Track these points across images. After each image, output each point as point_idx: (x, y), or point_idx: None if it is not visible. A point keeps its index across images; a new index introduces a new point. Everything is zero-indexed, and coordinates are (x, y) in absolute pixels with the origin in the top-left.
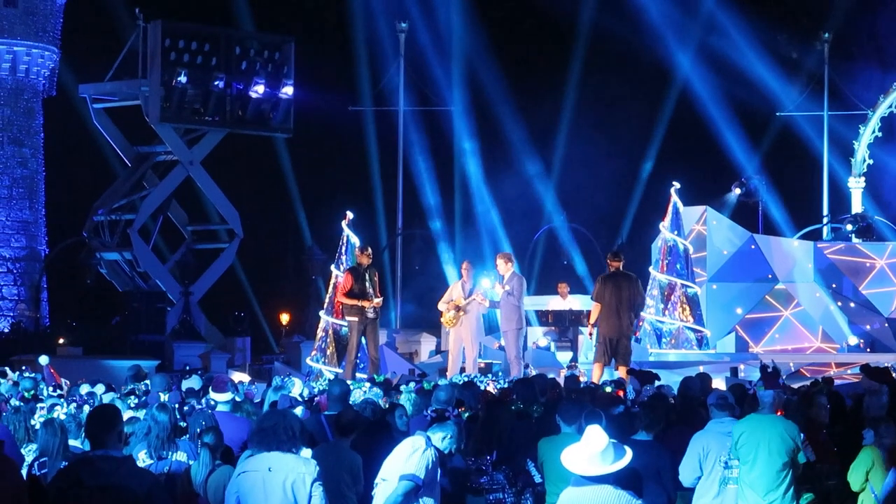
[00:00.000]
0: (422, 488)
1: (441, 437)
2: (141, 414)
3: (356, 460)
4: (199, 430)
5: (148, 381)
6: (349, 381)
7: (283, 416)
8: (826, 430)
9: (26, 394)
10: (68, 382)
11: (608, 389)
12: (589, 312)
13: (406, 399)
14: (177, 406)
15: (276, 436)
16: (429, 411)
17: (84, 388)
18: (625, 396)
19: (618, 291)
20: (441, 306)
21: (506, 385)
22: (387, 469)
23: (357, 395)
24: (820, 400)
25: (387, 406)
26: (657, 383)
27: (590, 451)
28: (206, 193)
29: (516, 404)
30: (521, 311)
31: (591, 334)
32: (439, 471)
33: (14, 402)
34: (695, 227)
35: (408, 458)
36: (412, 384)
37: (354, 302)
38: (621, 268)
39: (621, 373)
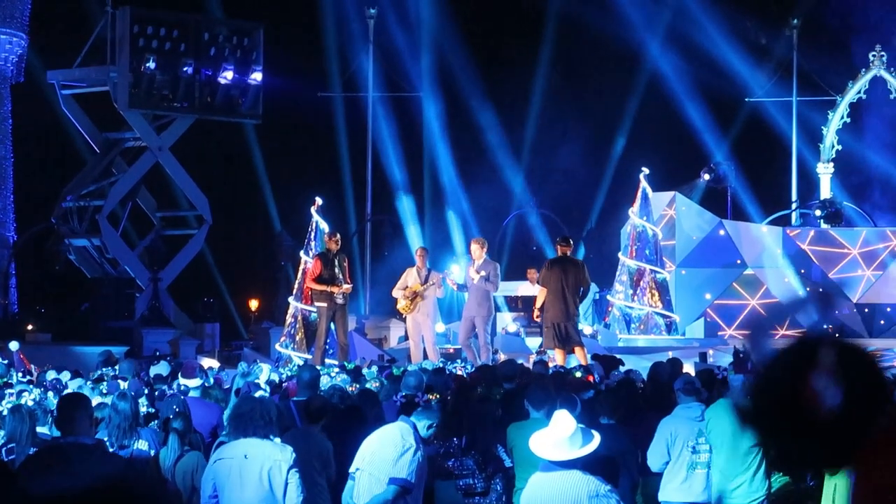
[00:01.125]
0: (412, 491)
1: (426, 426)
2: (109, 399)
3: (326, 446)
4: (170, 416)
5: (107, 367)
6: (318, 367)
7: (260, 401)
8: None
9: (0, 380)
10: (38, 368)
11: (578, 374)
12: None
13: (370, 381)
14: (134, 394)
15: (252, 421)
16: (398, 396)
17: (50, 375)
18: (594, 381)
19: (564, 276)
20: (396, 293)
21: (473, 371)
22: (370, 458)
23: (325, 382)
24: None
25: (355, 392)
26: (622, 368)
27: (558, 436)
28: (175, 180)
29: (479, 388)
30: (492, 297)
31: (537, 317)
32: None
33: None
34: (664, 213)
35: (398, 459)
36: (375, 368)
37: (324, 288)
38: (569, 253)
39: (579, 356)
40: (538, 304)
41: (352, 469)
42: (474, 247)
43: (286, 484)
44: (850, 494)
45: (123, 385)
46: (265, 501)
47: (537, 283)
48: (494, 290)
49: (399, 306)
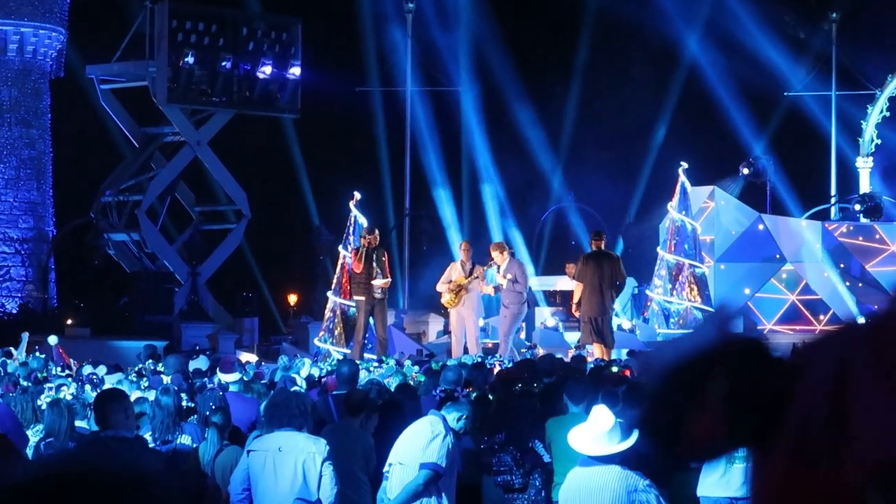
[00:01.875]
0: (443, 476)
1: (456, 418)
2: (150, 395)
3: (367, 441)
4: (206, 411)
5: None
6: (357, 362)
7: (295, 393)
8: None
9: (39, 374)
10: (76, 363)
11: (614, 369)
12: None
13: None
14: (177, 388)
15: (287, 410)
16: (437, 391)
17: (86, 369)
18: (632, 376)
19: (600, 271)
20: (440, 287)
21: (510, 365)
22: (402, 452)
23: (363, 376)
24: None
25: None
26: None
27: (596, 431)
28: (214, 174)
29: (519, 384)
30: (522, 296)
31: (576, 312)
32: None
33: (23, 382)
34: (704, 207)
35: (427, 445)
36: (411, 364)
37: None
38: (603, 247)
39: (601, 351)
40: (575, 298)
41: (385, 468)
42: (494, 253)
43: (320, 476)
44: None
45: (166, 380)
46: (299, 494)
47: (573, 277)
48: (523, 290)
49: (443, 300)
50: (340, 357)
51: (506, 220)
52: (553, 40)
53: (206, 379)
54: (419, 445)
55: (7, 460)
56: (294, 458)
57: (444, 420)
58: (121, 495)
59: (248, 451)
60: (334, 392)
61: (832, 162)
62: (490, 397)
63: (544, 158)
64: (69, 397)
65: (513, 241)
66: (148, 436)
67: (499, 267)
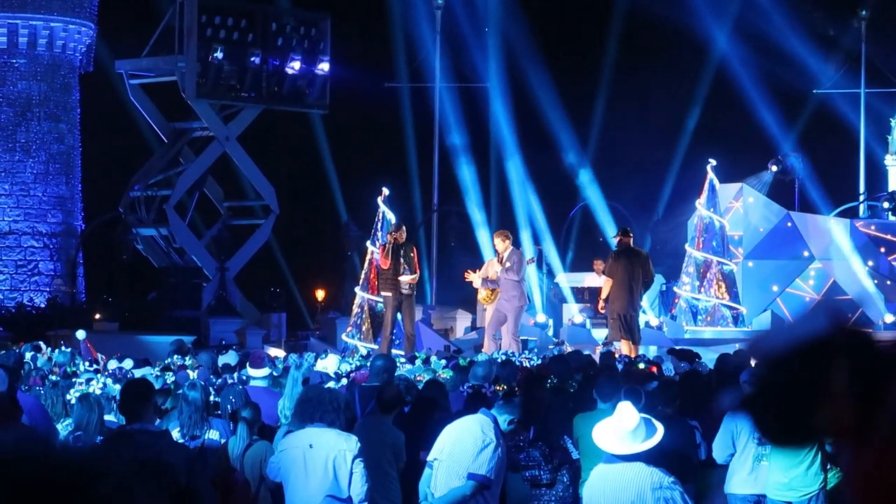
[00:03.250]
0: (491, 487)
1: (507, 421)
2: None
3: (399, 437)
4: (229, 406)
5: (177, 356)
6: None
7: (328, 389)
8: None
9: (68, 368)
10: (104, 357)
11: (641, 366)
12: None
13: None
14: (204, 383)
15: (320, 405)
16: (465, 387)
17: (112, 364)
18: (659, 372)
19: (631, 267)
20: (474, 281)
21: (539, 361)
22: (449, 449)
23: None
24: None
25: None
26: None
27: (621, 429)
28: (242, 169)
29: (552, 380)
30: (521, 287)
31: (602, 309)
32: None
33: (52, 376)
34: (732, 205)
35: (479, 453)
36: (439, 359)
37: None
38: (631, 244)
39: (628, 348)
40: (604, 295)
41: (430, 458)
42: (496, 241)
43: (351, 473)
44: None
45: (193, 375)
46: (330, 491)
47: (603, 273)
48: (516, 278)
49: (480, 297)
50: (366, 353)
51: (533, 216)
52: (582, 36)
53: (227, 375)
54: (469, 450)
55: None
56: (325, 455)
57: (496, 424)
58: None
59: (280, 451)
60: (363, 384)
61: (861, 159)
62: (490, 393)
63: (572, 154)
64: (98, 391)
65: (541, 238)
66: (176, 431)
67: (500, 256)
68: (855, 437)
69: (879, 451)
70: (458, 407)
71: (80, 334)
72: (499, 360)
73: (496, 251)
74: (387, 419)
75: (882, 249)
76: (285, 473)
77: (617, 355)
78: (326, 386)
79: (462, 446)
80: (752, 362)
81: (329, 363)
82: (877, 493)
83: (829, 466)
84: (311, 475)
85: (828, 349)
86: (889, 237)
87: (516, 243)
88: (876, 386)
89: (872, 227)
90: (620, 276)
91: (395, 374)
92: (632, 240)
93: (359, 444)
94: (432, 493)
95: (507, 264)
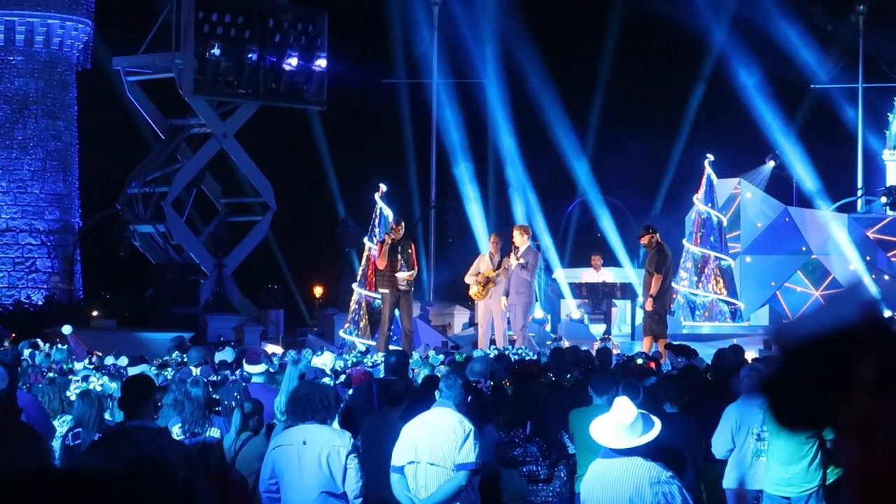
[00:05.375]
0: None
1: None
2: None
3: None
4: (232, 402)
5: (177, 353)
6: (381, 353)
7: (318, 386)
8: None
9: (64, 365)
10: (93, 352)
11: (639, 361)
12: (623, 285)
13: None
14: (207, 380)
15: (310, 404)
16: None
17: (108, 360)
18: (658, 368)
19: (672, 264)
20: (468, 279)
21: (533, 356)
22: (427, 451)
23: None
24: None
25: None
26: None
27: (618, 423)
28: (240, 166)
29: (547, 376)
30: (531, 285)
31: (650, 307)
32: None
33: (50, 373)
34: (734, 201)
35: (462, 445)
36: (437, 354)
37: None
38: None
39: (651, 344)
40: (654, 290)
41: (401, 462)
42: (516, 233)
43: (345, 469)
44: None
45: (195, 371)
46: (325, 487)
47: (654, 270)
48: (529, 277)
49: (471, 292)
50: (364, 349)
51: (531, 212)
52: (579, 32)
53: (227, 371)
54: (450, 444)
55: (33, 448)
56: (318, 452)
57: (456, 409)
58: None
59: (275, 447)
60: (380, 378)
61: (858, 154)
62: (486, 389)
63: (570, 150)
64: (98, 388)
65: (538, 234)
66: (177, 428)
67: (517, 249)
68: (868, 433)
69: (888, 451)
70: None
71: (67, 329)
72: (491, 356)
73: (513, 244)
74: (395, 413)
75: (880, 245)
76: (280, 470)
77: (615, 351)
78: (320, 382)
79: (441, 442)
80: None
81: (325, 360)
82: (879, 493)
83: (828, 463)
84: (306, 472)
85: (856, 340)
86: (887, 234)
87: (510, 240)
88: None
89: (870, 222)
90: (669, 273)
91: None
92: None
93: (353, 440)
94: (416, 496)
95: (522, 261)
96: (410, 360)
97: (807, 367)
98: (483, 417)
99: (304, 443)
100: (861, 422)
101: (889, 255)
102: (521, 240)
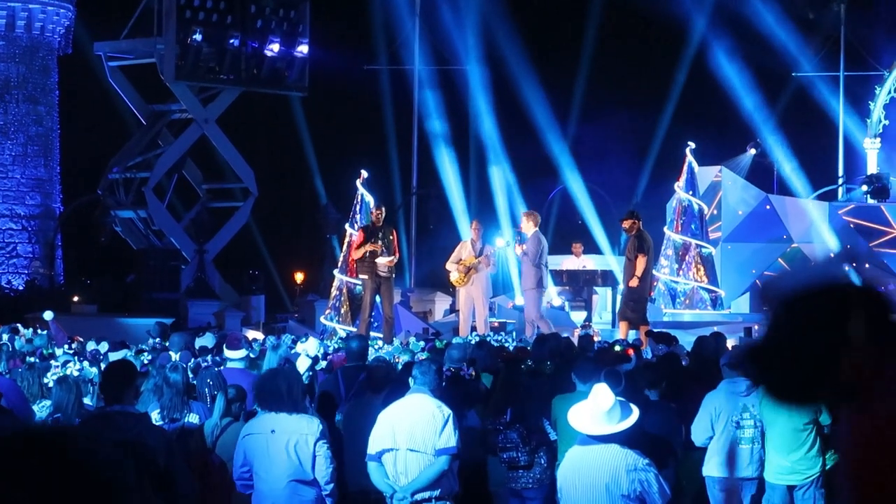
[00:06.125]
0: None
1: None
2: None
3: None
4: (204, 389)
5: (158, 339)
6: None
7: (281, 375)
8: None
9: (44, 351)
10: (81, 339)
11: (617, 348)
12: (604, 272)
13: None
14: (185, 366)
15: (272, 396)
16: (445, 370)
17: (90, 346)
18: (638, 355)
19: (653, 249)
20: (449, 266)
21: (519, 344)
22: (406, 437)
23: (370, 354)
24: None
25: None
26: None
27: (596, 410)
28: (221, 152)
29: (526, 363)
30: (540, 271)
31: (634, 284)
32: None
33: (30, 358)
34: (715, 189)
35: (442, 430)
36: (418, 341)
37: (365, 248)
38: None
39: (642, 333)
40: (639, 272)
41: (378, 448)
42: (524, 220)
43: (314, 456)
44: (849, 428)
45: (175, 357)
46: (294, 475)
47: (641, 252)
48: (532, 262)
49: (452, 279)
50: (345, 335)
51: (513, 199)
52: (562, 19)
53: (200, 358)
54: (430, 430)
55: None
56: (286, 440)
57: (433, 395)
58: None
59: (245, 435)
60: (345, 366)
61: (840, 143)
62: (468, 375)
63: (552, 137)
64: (76, 374)
65: (519, 221)
66: (156, 413)
67: (525, 235)
68: (861, 398)
69: (881, 417)
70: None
71: (48, 315)
72: (472, 343)
73: (520, 230)
74: (376, 398)
75: (860, 233)
76: (251, 458)
77: (596, 338)
78: (285, 369)
79: (422, 428)
80: (764, 308)
81: (309, 346)
82: (872, 461)
83: (826, 450)
84: (275, 460)
85: (846, 296)
86: (867, 222)
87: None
88: (890, 346)
89: (851, 210)
90: (650, 258)
91: (375, 355)
92: None
93: (321, 427)
94: (395, 483)
95: (525, 247)
96: (391, 347)
97: (795, 323)
98: (465, 403)
99: (273, 431)
100: (857, 386)
101: (870, 243)
102: (526, 226)
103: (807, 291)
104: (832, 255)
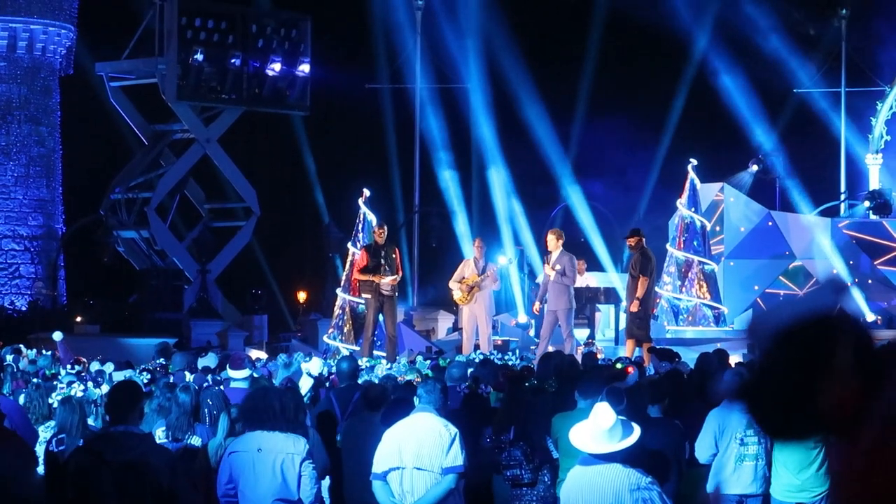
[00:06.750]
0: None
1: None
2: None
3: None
4: (204, 409)
5: (162, 359)
6: (366, 359)
7: (269, 394)
8: None
9: (47, 371)
10: (84, 360)
11: (618, 366)
12: (607, 289)
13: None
14: (197, 388)
15: (257, 414)
16: (462, 387)
17: (94, 366)
18: (641, 372)
19: (655, 267)
20: (452, 284)
21: (519, 362)
22: (413, 456)
23: (380, 371)
24: None
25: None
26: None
27: (596, 429)
28: (223, 171)
29: (531, 381)
30: (570, 290)
31: (634, 308)
32: None
33: (35, 379)
34: (717, 206)
35: (448, 449)
36: (424, 359)
37: (367, 277)
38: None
39: (645, 350)
40: (640, 293)
41: (383, 468)
42: (550, 238)
43: (300, 476)
44: (837, 457)
45: (189, 377)
46: (280, 494)
47: (641, 273)
48: (571, 284)
49: (455, 297)
50: (348, 354)
51: (514, 217)
52: (563, 37)
53: (202, 377)
54: (438, 449)
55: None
56: (273, 459)
57: (439, 414)
58: None
59: (230, 452)
60: (338, 387)
61: (841, 158)
62: (485, 392)
63: (554, 155)
64: (80, 394)
65: (521, 238)
66: (161, 431)
67: (550, 255)
68: (852, 428)
69: (871, 450)
70: (455, 405)
71: (57, 336)
72: (476, 360)
73: (547, 248)
74: (374, 417)
75: (863, 249)
76: (236, 476)
77: (600, 356)
78: (275, 387)
79: (429, 447)
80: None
81: (312, 366)
82: (863, 494)
83: None
84: (261, 479)
85: (833, 325)
86: (869, 238)
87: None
88: (875, 376)
89: (853, 226)
90: (653, 276)
91: (388, 373)
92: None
93: (307, 446)
94: (401, 502)
95: (558, 267)
96: (396, 366)
97: (783, 360)
98: (483, 420)
99: (259, 450)
100: (845, 419)
101: (873, 259)
102: (554, 244)
103: (791, 328)
104: (827, 278)
